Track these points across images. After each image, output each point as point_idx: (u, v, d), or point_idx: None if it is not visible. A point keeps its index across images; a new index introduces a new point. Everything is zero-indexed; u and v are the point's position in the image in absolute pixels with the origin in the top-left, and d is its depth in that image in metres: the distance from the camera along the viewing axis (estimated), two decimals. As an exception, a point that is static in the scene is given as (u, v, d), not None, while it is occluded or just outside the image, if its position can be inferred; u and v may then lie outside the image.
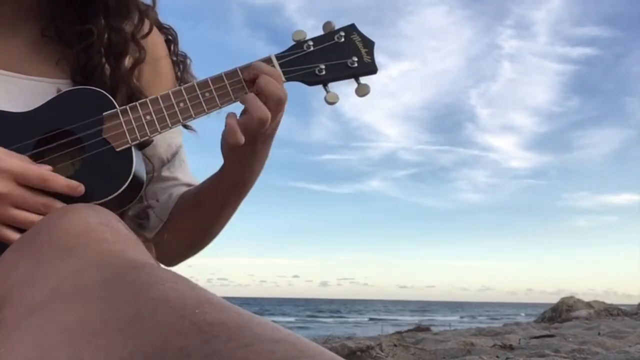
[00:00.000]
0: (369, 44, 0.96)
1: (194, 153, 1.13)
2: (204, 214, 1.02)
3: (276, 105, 0.88)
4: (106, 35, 0.93)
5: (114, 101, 0.87)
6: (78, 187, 0.81)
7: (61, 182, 0.80)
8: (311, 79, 0.94)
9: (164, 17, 1.07)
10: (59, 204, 0.79)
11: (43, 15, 0.94)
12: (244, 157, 0.94)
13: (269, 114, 0.87)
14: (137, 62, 0.95)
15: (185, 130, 1.04)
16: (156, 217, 1.04)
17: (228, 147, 0.91)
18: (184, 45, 1.10)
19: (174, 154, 1.07)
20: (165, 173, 1.05)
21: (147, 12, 0.99)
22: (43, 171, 0.79)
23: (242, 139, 0.87)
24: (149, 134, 0.87)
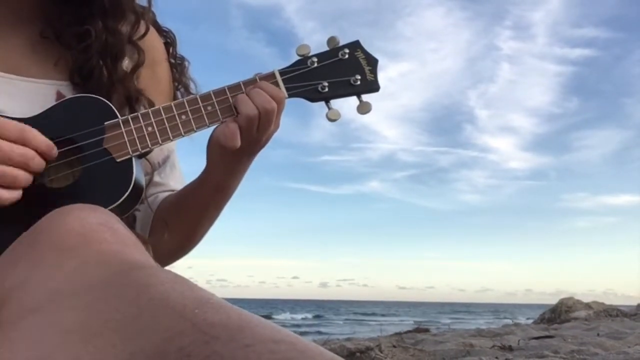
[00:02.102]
0: (372, 62, 0.96)
1: (188, 156, 1.13)
2: (187, 217, 1.01)
3: (265, 115, 0.88)
4: (104, 37, 0.93)
5: (116, 111, 0.87)
6: (53, 149, 0.79)
7: (39, 137, 0.78)
8: (314, 96, 0.94)
9: (163, 20, 1.07)
10: (38, 159, 0.77)
11: (42, 17, 0.94)
12: (229, 162, 0.93)
13: (257, 113, 0.87)
14: (137, 65, 0.95)
15: None
16: (141, 221, 1.03)
17: (220, 149, 0.90)
18: (183, 48, 1.10)
19: (166, 159, 1.06)
20: (156, 178, 1.04)
21: (144, 14, 0.99)
22: (22, 124, 0.77)
23: (239, 143, 0.87)
24: (149, 146, 0.86)
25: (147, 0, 1.01)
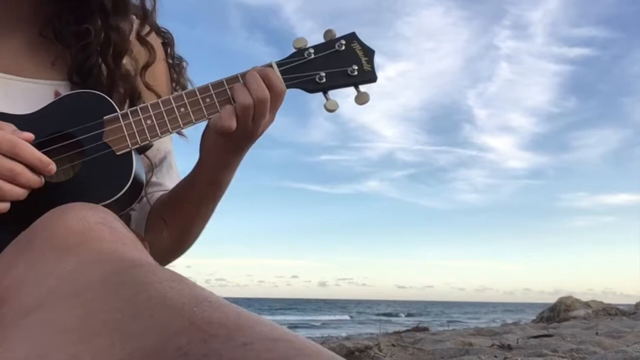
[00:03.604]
0: (369, 53, 0.97)
1: (186, 155, 1.12)
2: (181, 213, 1.01)
3: (259, 103, 0.88)
4: (103, 35, 0.93)
5: (115, 105, 0.87)
6: (49, 165, 0.77)
7: (33, 152, 0.75)
8: (311, 87, 0.94)
9: (161, 20, 1.07)
10: (28, 174, 0.75)
11: (40, 16, 0.94)
12: (223, 151, 0.93)
13: (252, 101, 0.88)
14: (149, 63, 0.96)
15: (175, 135, 1.03)
16: (136, 220, 1.03)
17: (216, 134, 0.90)
18: (182, 48, 1.10)
19: (162, 159, 1.06)
20: (152, 178, 1.04)
21: (148, 14, 0.99)
22: (15, 138, 0.75)
23: (234, 125, 0.87)
24: (149, 138, 0.87)
25: (152, 1, 1.02)
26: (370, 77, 0.96)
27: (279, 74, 0.92)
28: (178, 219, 1.01)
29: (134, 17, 0.98)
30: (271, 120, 0.93)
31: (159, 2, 1.04)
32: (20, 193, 0.75)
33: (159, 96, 0.95)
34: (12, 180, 0.74)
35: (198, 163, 0.96)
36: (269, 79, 0.89)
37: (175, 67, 1.07)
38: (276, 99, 0.90)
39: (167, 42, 1.07)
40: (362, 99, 0.96)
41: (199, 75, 1.08)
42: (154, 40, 1.04)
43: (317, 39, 0.97)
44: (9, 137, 0.74)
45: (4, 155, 0.74)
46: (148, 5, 1.00)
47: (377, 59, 0.97)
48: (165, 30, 1.08)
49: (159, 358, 0.43)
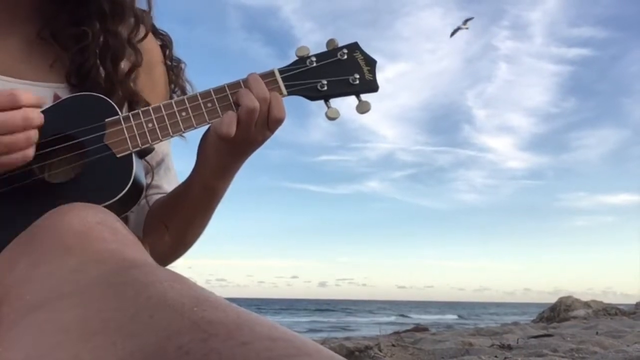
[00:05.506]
0: (371, 62, 0.98)
1: (184, 156, 1.12)
2: (177, 218, 1.01)
3: (263, 103, 0.89)
4: (102, 39, 0.93)
5: (117, 107, 0.88)
6: (41, 99, 0.82)
7: (27, 93, 0.80)
8: (313, 94, 0.95)
9: (160, 21, 1.07)
10: (36, 113, 0.79)
11: (38, 18, 0.94)
12: (221, 156, 0.93)
13: (257, 105, 0.88)
14: (134, 66, 0.95)
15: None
16: (135, 222, 1.03)
17: (216, 138, 0.90)
18: (181, 49, 1.09)
19: (160, 162, 1.06)
20: (149, 181, 1.04)
21: (143, 17, 0.99)
22: (8, 90, 0.79)
23: (234, 130, 0.88)
24: (150, 142, 0.87)
25: (147, 3, 1.02)
26: (372, 87, 0.97)
27: (281, 81, 0.93)
28: (175, 223, 1.01)
29: (132, 20, 0.98)
30: (271, 134, 0.93)
31: (159, 3, 1.04)
32: (37, 133, 0.80)
33: (148, 103, 0.95)
34: (30, 126, 0.79)
35: (195, 168, 0.96)
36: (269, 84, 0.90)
37: (174, 68, 1.07)
38: (277, 104, 0.90)
39: (165, 44, 1.07)
40: (363, 107, 0.96)
41: (198, 76, 1.08)
42: (152, 42, 1.04)
43: (316, 39, 0.99)
44: (4, 91, 0.78)
45: (9, 108, 0.78)
46: (142, 9, 1.00)
47: (377, 60, 0.98)
48: (163, 33, 1.08)
49: (160, 357, 0.43)
